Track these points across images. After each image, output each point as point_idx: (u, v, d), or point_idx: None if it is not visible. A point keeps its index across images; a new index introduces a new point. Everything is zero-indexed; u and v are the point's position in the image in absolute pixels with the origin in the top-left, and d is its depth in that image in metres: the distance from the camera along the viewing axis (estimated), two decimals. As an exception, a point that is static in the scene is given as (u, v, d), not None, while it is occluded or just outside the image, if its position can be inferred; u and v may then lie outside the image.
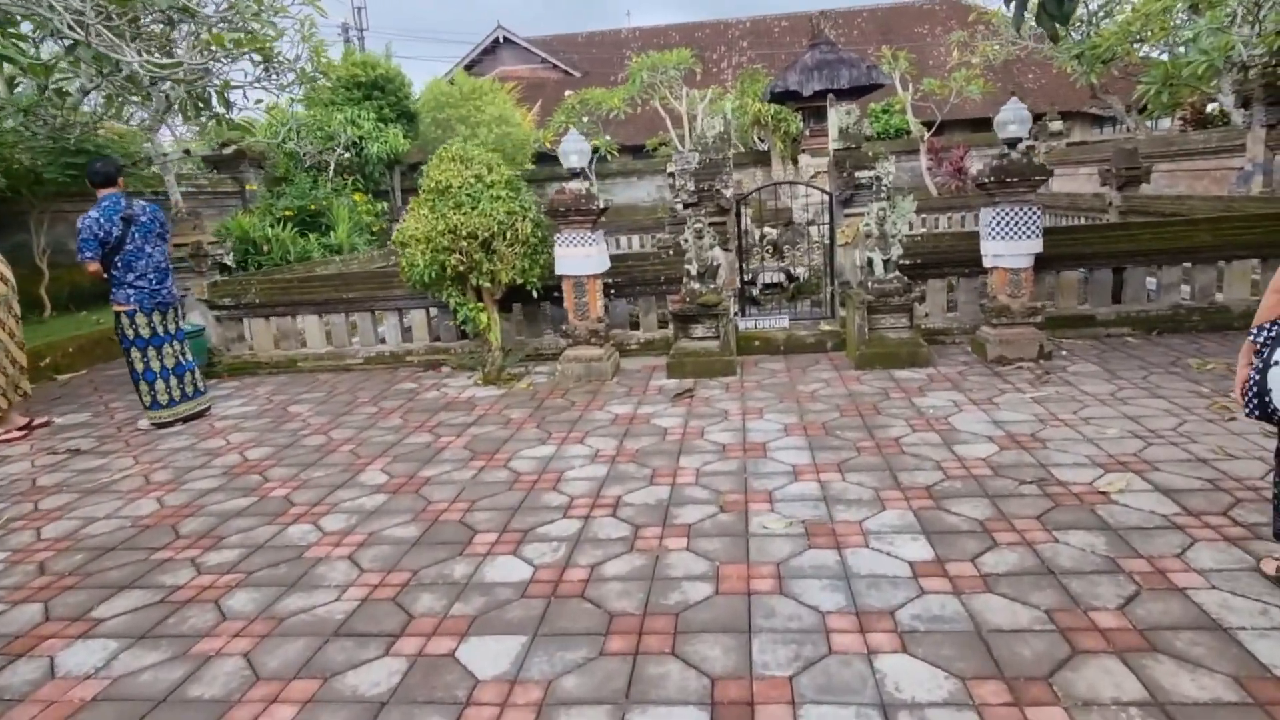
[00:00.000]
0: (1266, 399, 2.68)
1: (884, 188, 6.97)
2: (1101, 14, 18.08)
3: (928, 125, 20.17)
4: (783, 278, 9.81)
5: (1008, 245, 6.39)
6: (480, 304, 6.76)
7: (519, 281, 6.69)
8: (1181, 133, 16.68)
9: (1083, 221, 13.78)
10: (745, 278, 9.51)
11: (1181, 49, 14.76)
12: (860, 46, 28.11)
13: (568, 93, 21.31)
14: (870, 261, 6.63)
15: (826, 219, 7.46)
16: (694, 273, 6.72)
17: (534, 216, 6.66)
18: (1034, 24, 5.01)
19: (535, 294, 7.04)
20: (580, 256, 6.61)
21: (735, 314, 7.48)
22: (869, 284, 6.59)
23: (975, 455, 4.45)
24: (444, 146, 6.66)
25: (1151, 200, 11.85)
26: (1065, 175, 18.45)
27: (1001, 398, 5.52)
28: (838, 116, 7.11)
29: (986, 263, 6.62)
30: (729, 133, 6.88)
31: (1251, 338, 2.78)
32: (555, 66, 35.49)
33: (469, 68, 33.65)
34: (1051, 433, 4.74)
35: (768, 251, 10.53)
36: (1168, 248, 7.09)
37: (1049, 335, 6.69)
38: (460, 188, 6.33)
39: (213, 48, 10.23)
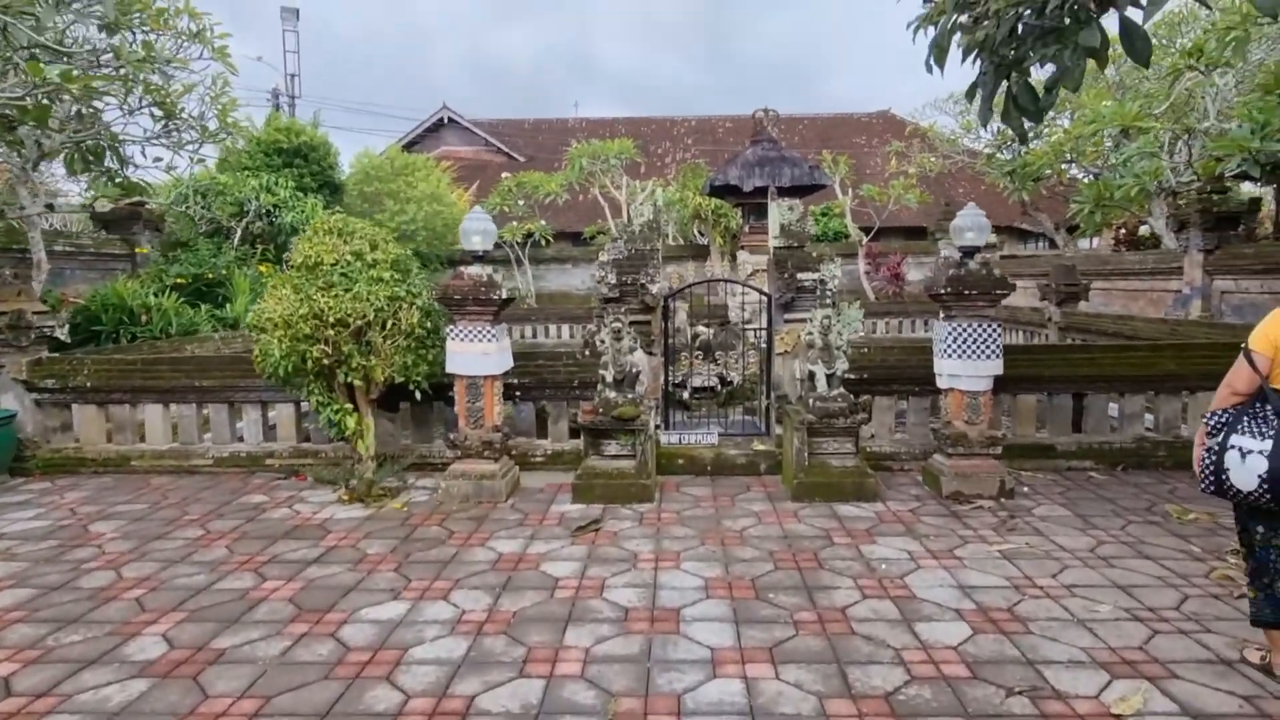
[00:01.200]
0: (1224, 478, 2.91)
1: (829, 292, 6.22)
2: (1032, 134, 18.54)
3: (865, 230, 20.17)
4: (715, 381, 8.96)
5: (965, 365, 5.64)
6: (349, 405, 5.62)
7: (399, 379, 5.60)
8: (1115, 252, 16.89)
9: (1022, 336, 13.48)
10: (674, 381, 8.62)
11: (1110, 172, 15.03)
12: (802, 150, 28.60)
13: (504, 174, 20.73)
14: (812, 375, 5.78)
15: (764, 322, 6.65)
16: (610, 379, 5.75)
17: (424, 304, 5.64)
18: (999, 122, 4.39)
19: (422, 393, 5.94)
20: (476, 354, 5.59)
21: (658, 426, 6.51)
22: (810, 401, 5.72)
23: (944, 641, 3.46)
24: (320, 218, 5.65)
25: (1092, 318, 11.55)
26: (999, 287, 18.46)
27: (965, 549, 4.61)
28: (779, 212, 6.41)
29: (941, 383, 5.85)
30: (659, 222, 6.04)
31: (1204, 421, 3.06)
32: (499, 150, 35.29)
33: (410, 145, 33.13)
34: (1032, 606, 3.81)
35: (698, 354, 9.70)
36: (1132, 374, 6.47)
37: (1008, 467, 5.90)
38: (334, 265, 5.29)
39: (106, 99, 9.16)
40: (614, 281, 6.22)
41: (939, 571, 4.27)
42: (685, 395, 8.46)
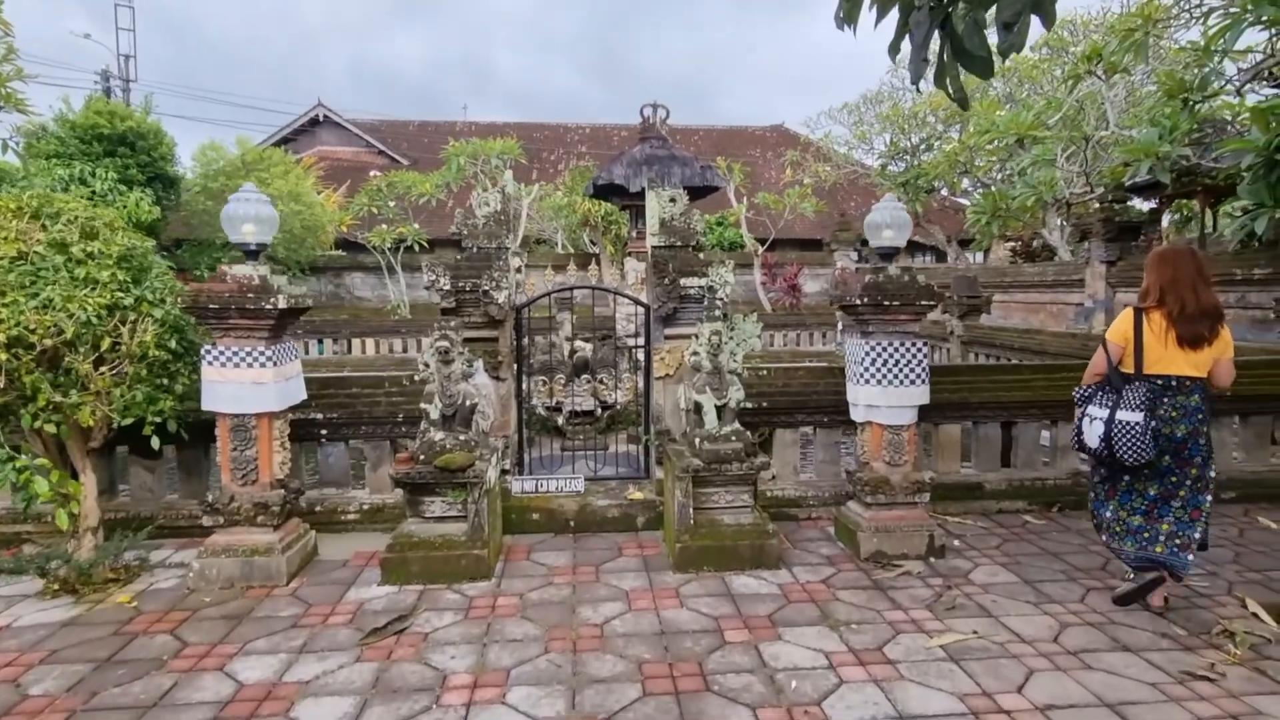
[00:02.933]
0: (1082, 439, 3.73)
1: (720, 302, 5.02)
2: (924, 146, 18.27)
3: (761, 241, 19.43)
4: (596, 405, 7.65)
5: (885, 393, 4.54)
6: (50, 457, 3.95)
7: (126, 421, 3.99)
8: (1013, 264, 16.69)
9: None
10: (548, 405, 7.25)
11: (1005, 184, 14.75)
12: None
13: (373, 173, 18.84)
14: (699, 407, 4.54)
15: (642, 339, 5.39)
16: (435, 414, 4.33)
17: (169, 315, 4.06)
18: (933, 85, 3.29)
19: (179, 435, 4.34)
20: (244, 384, 4.05)
21: (507, 471, 5.12)
22: (696, 440, 4.48)
23: (891, 838, 2.23)
24: (11, 194, 3.99)
25: (996, 331, 10.95)
26: (895, 300, 18.05)
27: (897, 646, 3.43)
28: (659, 204, 5.18)
29: (856, 415, 4.73)
30: (508, 214, 4.66)
31: (1074, 396, 3.87)
32: (381, 151, 33.05)
33: (283, 144, 30.59)
34: (1004, 752, 2.65)
35: (574, 373, 8.37)
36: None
37: (933, 512, 4.85)
38: (14, 261, 3.65)
39: None
40: (447, 287, 4.80)
41: (868, 688, 3.06)
42: (561, 421, 7.12)
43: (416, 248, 18.11)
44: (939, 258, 23.84)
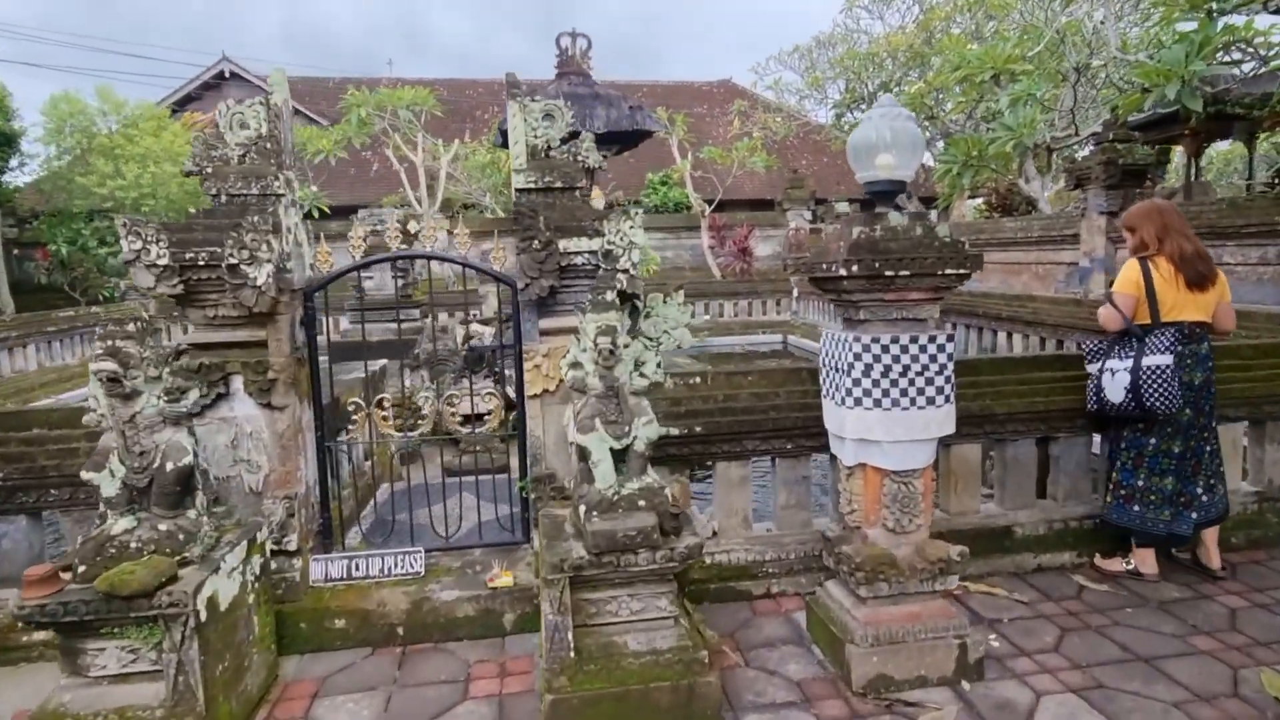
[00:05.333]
0: (1103, 396, 3.56)
1: (623, 277, 3.18)
2: (882, 92, 16.53)
3: (708, 203, 17.61)
4: (498, 405, 5.81)
5: (888, 420, 2.78)
6: None
7: None
8: (989, 219, 15.15)
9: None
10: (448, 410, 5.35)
11: (973, 129, 13.13)
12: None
13: (258, 128, 16.37)
14: (584, 455, 2.72)
15: (516, 333, 3.51)
16: (112, 489, 2.44)
17: None
18: None
19: None
20: None
21: (293, 552, 3.23)
22: (582, 510, 2.68)
23: None
24: None
25: (979, 299, 9.35)
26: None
27: None
28: (525, 123, 3.30)
29: (843, 454, 2.98)
30: (281, 140, 2.70)
31: (1084, 353, 3.80)
32: (297, 110, 30.15)
33: (186, 102, 27.77)
34: None
35: (465, 368, 6.50)
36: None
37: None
38: None
39: None
40: (164, 262, 2.86)
41: None
42: (458, 423, 5.25)
43: (316, 214, 15.86)
44: (897, 217, 22.30)
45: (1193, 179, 13.17)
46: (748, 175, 22.31)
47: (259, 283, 2.96)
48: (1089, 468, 4.00)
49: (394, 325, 8.80)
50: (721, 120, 24.53)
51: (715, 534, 3.63)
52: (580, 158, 3.40)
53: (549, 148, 3.37)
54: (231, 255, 2.93)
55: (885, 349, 2.78)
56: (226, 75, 30.20)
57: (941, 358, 2.82)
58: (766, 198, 21.30)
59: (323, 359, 3.48)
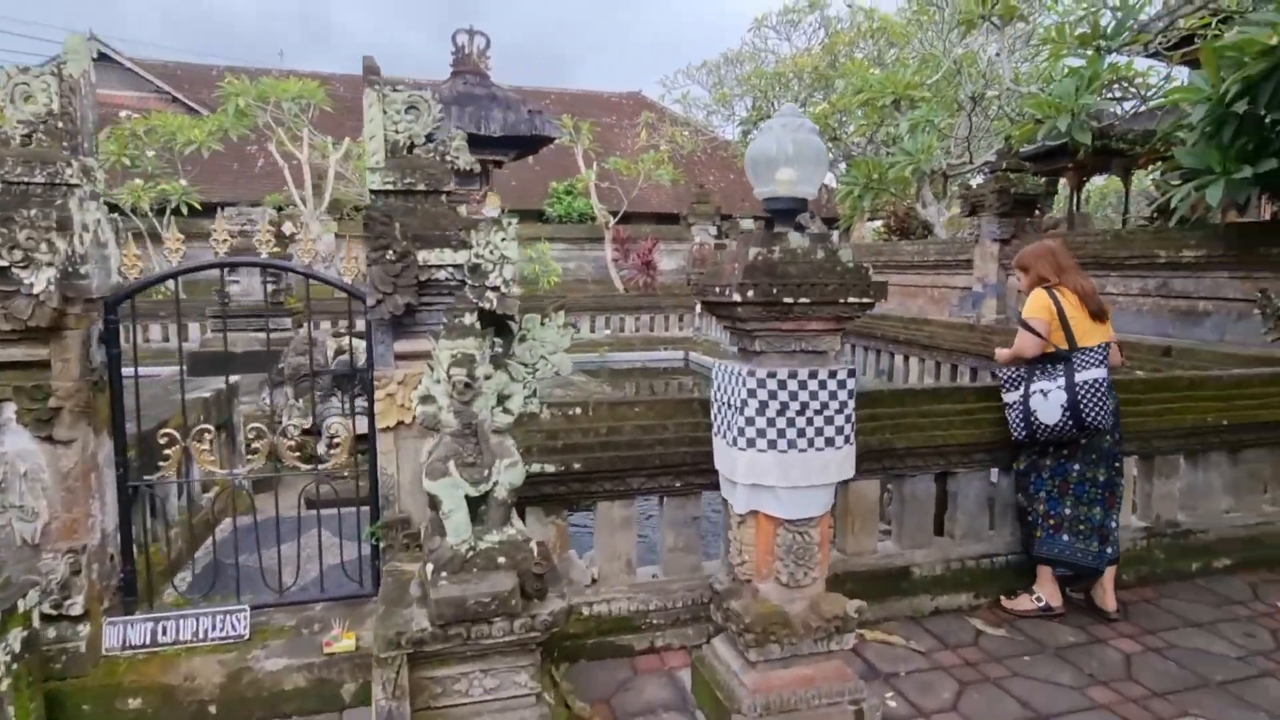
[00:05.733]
0: (1032, 420, 3.46)
1: (494, 294, 2.78)
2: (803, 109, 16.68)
3: (614, 214, 17.35)
4: (347, 437, 5.27)
5: (784, 464, 2.49)
6: None
7: None
8: (887, 241, 15.45)
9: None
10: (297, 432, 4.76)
11: (874, 152, 13.37)
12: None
13: (124, 113, 15.07)
14: (436, 505, 2.31)
15: (368, 355, 3.05)
16: None
17: None
18: None
19: None
20: None
21: (79, 617, 2.67)
22: (430, 570, 2.26)
23: None
24: None
25: (876, 321, 9.37)
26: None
27: None
28: (383, 115, 2.87)
29: (735, 500, 2.67)
30: (78, 118, 2.16)
31: (1000, 381, 3.68)
32: (174, 98, 28.21)
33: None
34: None
35: (333, 386, 5.93)
36: (1028, 440, 3.76)
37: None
38: None
39: None
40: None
41: None
42: (322, 448, 4.68)
43: (186, 210, 14.65)
44: (799, 235, 22.66)
45: (1075, 210, 13.83)
46: (654, 188, 22.22)
47: (36, 290, 2.41)
48: (986, 504, 3.86)
49: (262, 334, 8.05)
50: (630, 132, 24.39)
51: (595, 581, 3.26)
52: (449, 157, 2.99)
53: (412, 145, 2.94)
54: (0, 256, 2.37)
55: (782, 384, 2.49)
56: (95, 56, 28.00)
57: (842, 394, 2.55)
58: (672, 211, 21.23)
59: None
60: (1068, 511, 3.53)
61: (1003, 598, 3.70)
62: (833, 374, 2.53)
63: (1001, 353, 3.76)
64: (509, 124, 8.39)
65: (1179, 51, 8.39)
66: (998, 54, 9.62)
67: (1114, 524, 3.56)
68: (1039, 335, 3.46)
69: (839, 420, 2.54)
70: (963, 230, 11.33)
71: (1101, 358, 3.42)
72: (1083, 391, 3.34)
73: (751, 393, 2.48)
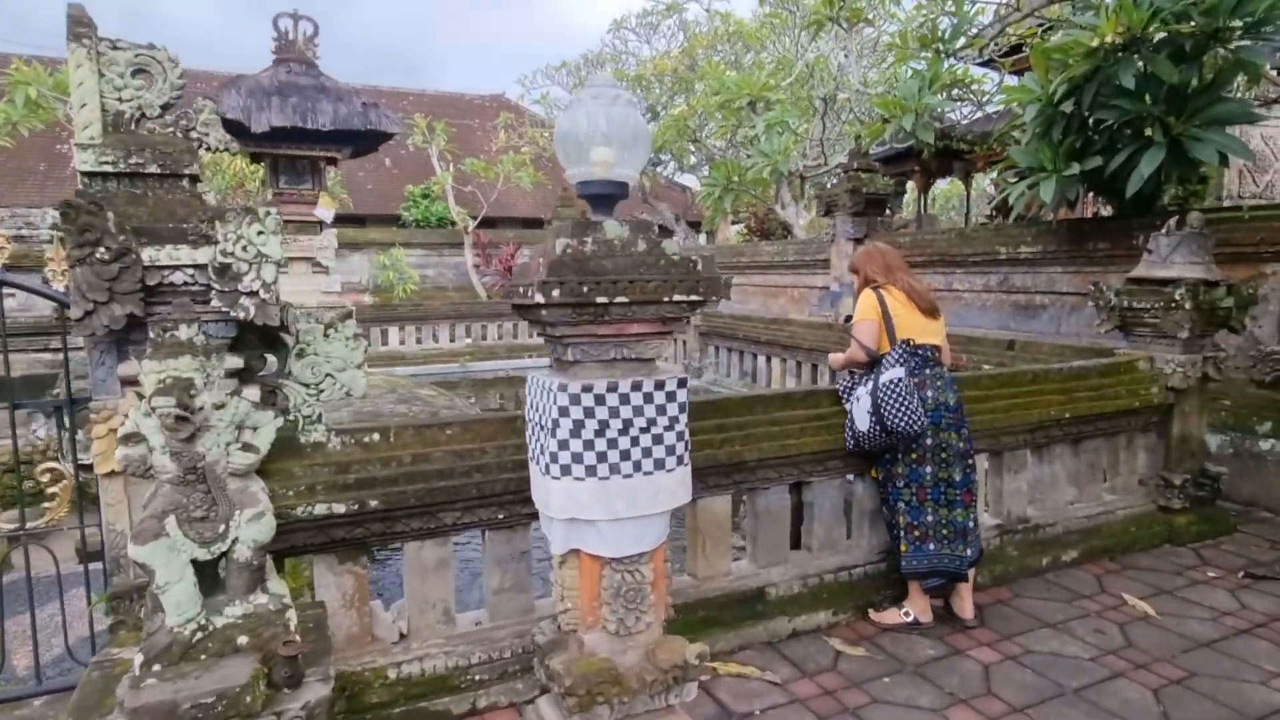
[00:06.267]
0: (854, 429, 3.33)
1: (249, 300, 2.24)
2: (649, 114, 16.61)
3: (474, 218, 16.65)
4: (67, 484, 4.51)
5: (606, 493, 2.11)
6: None
7: None
8: (748, 242, 15.55)
9: (658, 344, 10.95)
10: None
11: (734, 154, 13.42)
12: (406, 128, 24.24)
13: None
14: (150, 573, 1.76)
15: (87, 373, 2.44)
16: None
17: None
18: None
19: None
20: None
21: None
22: (140, 662, 1.72)
23: None
24: None
25: (738, 321, 9.30)
26: (624, 284, 16.25)
27: None
28: (95, 76, 2.29)
29: (553, 540, 2.26)
30: None
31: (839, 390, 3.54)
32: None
33: None
34: None
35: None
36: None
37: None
38: None
39: None
40: None
41: None
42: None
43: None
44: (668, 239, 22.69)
45: (923, 212, 14.42)
46: (520, 193, 21.62)
47: None
48: (843, 513, 3.64)
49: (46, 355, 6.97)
50: (493, 134, 23.71)
51: (404, 636, 2.77)
52: (196, 133, 2.43)
53: (142, 116, 2.36)
54: None
55: (600, 399, 2.11)
56: None
57: (673, 408, 2.20)
58: (539, 216, 20.73)
59: None
60: (929, 518, 3.36)
61: (870, 610, 3.50)
62: (660, 385, 2.17)
63: (835, 358, 3.63)
64: (340, 117, 7.67)
65: (1010, 59, 8.77)
66: (846, 57, 9.80)
67: (973, 522, 3.44)
68: (863, 345, 3.39)
69: (669, 438, 2.19)
70: (822, 231, 11.49)
71: (904, 355, 3.31)
72: (883, 394, 3.21)
73: (564, 410, 2.09)
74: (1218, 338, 4.56)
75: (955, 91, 8.17)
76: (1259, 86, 7.10)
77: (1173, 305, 4.25)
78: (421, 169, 22.19)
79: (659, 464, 2.18)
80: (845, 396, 3.47)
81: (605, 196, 2.27)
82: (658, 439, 2.17)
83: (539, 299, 2.00)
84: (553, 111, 19.04)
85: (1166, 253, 4.42)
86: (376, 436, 2.70)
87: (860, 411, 3.29)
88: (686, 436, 2.25)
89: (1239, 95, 6.62)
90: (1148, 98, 5.32)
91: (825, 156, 11.48)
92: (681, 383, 2.22)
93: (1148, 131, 5.42)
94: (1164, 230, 4.47)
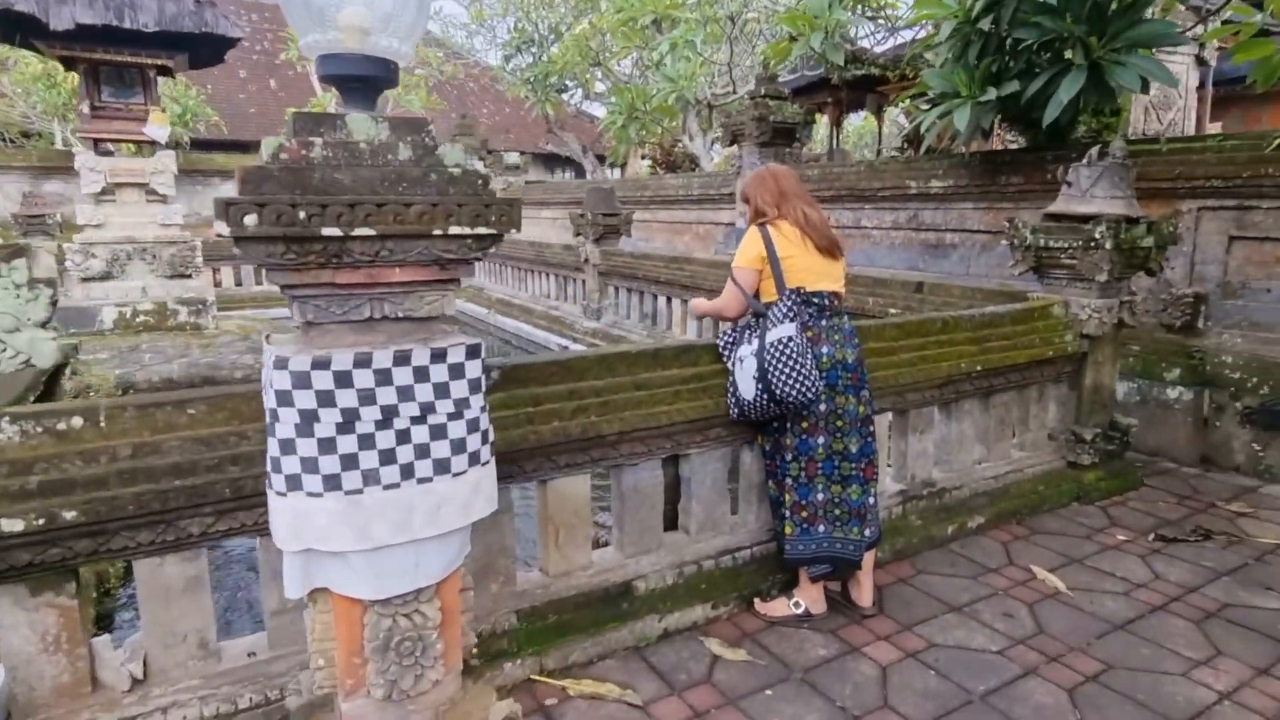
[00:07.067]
0: (740, 396, 2.76)
1: None
2: (553, 36, 15.46)
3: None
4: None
5: (359, 516, 1.47)
6: None
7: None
8: (654, 175, 14.79)
9: (554, 284, 10.29)
10: None
11: (642, 79, 12.55)
12: (264, 39, 22.11)
13: None
14: None
15: None
16: None
17: None
18: None
19: None
20: None
21: None
22: None
23: None
24: None
25: (638, 260, 8.65)
26: (526, 219, 15.38)
27: None
28: None
29: (289, 582, 1.60)
30: None
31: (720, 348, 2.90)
32: None
33: None
34: None
35: None
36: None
37: (538, 675, 2.03)
38: None
39: None
40: None
41: None
42: None
43: None
44: (578, 172, 21.69)
45: (835, 146, 13.98)
46: (404, 111, 20.16)
47: None
48: (727, 488, 3.12)
49: None
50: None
51: (140, 681, 2.10)
52: None
53: None
54: None
55: (344, 379, 1.45)
56: None
57: (460, 387, 1.56)
58: (436, 145, 19.39)
59: None
60: (820, 496, 2.86)
61: (757, 600, 3.01)
62: (438, 355, 1.52)
63: (696, 304, 3.09)
64: (167, 16, 6.48)
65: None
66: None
67: (873, 499, 2.96)
68: (742, 290, 2.85)
69: (456, 429, 1.55)
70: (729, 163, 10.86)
71: (794, 306, 2.75)
72: (770, 356, 2.65)
73: (284, 397, 1.42)
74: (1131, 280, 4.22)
75: (867, 12, 7.58)
76: (1171, 12, 6.77)
77: (1092, 244, 3.84)
78: (294, 89, 20.40)
79: (441, 466, 1.54)
80: (727, 355, 2.90)
81: (360, 80, 1.56)
82: (438, 431, 1.53)
83: (225, 229, 1.31)
84: (450, 31, 17.60)
85: (1087, 185, 3.99)
86: (79, 421, 1.96)
87: (744, 376, 2.73)
88: (484, 425, 1.62)
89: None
90: (1069, 17, 4.85)
91: (734, 84, 10.78)
92: (472, 351, 1.57)
93: (1068, 54, 4.97)
94: (1085, 161, 4.04)
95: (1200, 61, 8.35)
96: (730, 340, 2.91)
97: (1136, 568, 3.40)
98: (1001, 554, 3.53)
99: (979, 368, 3.63)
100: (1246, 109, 12.37)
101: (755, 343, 2.73)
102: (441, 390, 1.54)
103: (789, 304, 2.75)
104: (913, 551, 3.50)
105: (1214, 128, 10.26)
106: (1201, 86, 9.07)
